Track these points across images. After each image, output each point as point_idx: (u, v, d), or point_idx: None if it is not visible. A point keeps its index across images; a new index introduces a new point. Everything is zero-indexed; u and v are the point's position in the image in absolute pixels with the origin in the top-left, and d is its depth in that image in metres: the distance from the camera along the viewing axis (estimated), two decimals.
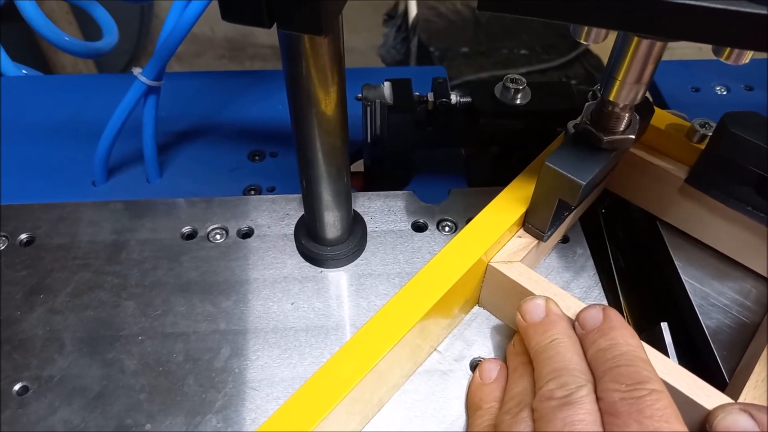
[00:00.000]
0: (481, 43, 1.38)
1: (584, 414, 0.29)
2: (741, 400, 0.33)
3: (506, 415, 0.32)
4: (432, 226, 0.47)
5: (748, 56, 0.27)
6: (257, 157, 0.55)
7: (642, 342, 0.33)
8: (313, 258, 0.44)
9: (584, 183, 0.34)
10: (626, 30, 0.26)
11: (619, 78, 0.33)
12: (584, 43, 0.28)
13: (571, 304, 0.36)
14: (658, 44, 0.31)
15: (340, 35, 0.32)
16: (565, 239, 0.46)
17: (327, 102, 0.34)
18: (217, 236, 0.46)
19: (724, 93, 0.61)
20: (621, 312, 0.47)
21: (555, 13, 0.26)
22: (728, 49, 0.27)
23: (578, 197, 0.35)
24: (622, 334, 0.32)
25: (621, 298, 0.49)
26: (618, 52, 0.32)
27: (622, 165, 0.46)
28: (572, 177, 0.34)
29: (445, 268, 0.37)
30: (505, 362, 0.38)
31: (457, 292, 0.38)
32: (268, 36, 1.87)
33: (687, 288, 0.43)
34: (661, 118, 0.44)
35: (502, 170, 0.45)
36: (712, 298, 0.43)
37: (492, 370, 0.36)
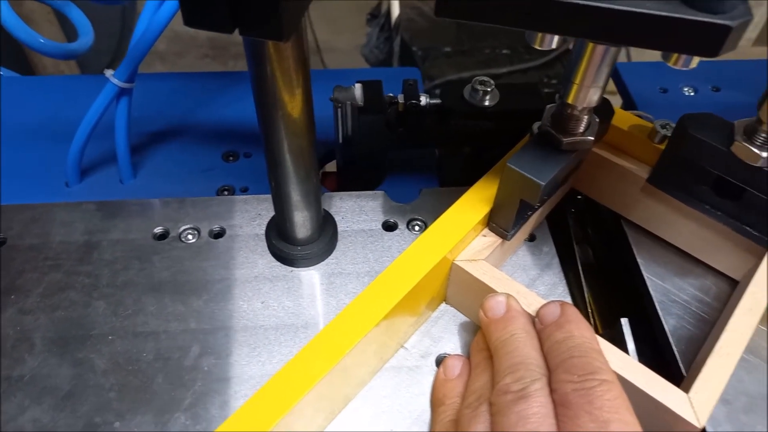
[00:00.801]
0: (463, 43, 1.39)
1: (538, 407, 0.30)
2: (692, 393, 0.34)
3: (466, 409, 0.33)
4: (402, 226, 0.48)
5: (695, 61, 0.28)
6: (231, 158, 0.55)
7: (598, 336, 0.34)
8: (283, 257, 0.44)
9: (544, 183, 0.35)
10: (576, 36, 0.27)
11: (577, 81, 0.34)
12: (539, 47, 0.29)
13: (532, 301, 0.37)
14: (612, 49, 0.32)
15: (303, 38, 0.32)
16: (531, 237, 0.47)
17: (293, 104, 0.34)
18: (189, 236, 0.46)
19: (692, 94, 0.62)
20: (587, 308, 0.48)
21: (509, 21, 0.27)
22: (675, 55, 0.28)
23: (539, 197, 0.36)
24: (578, 327, 0.33)
25: (587, 294, 0.50)
26: (575, 57, 0.33)
27: (588, 165, 0.47)
28: (532, 178, 0.35)
29: (409, 267, 0.37)
30: (470, 359, 0.38)
31: (423, 290, 0.39)
32: None
33: (649, 285, 0.45)
34: (625, 119, 0.45)
35: (474, 170, 0.46)
36: (673, 294, 0.45)
37: (455, 367, 0.37)
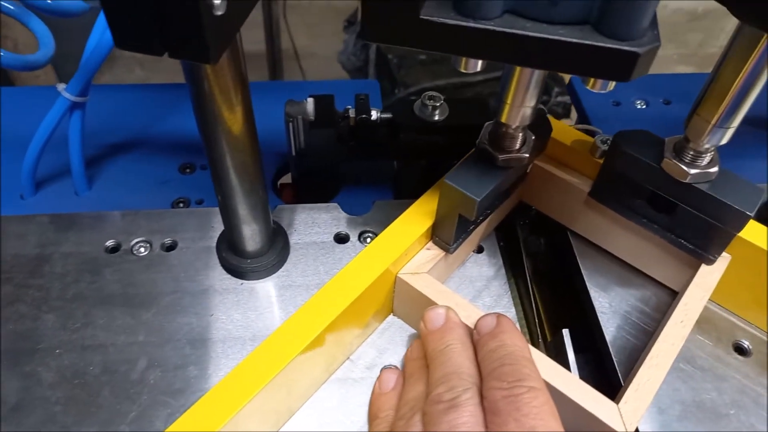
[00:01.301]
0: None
1: (468, 416, 0.31)
2: (621, 403, 0.35)
3: (400, 420, 0.34)
4: (354, 238, 0.49)
5: (611, 84, 0.30)
6: (188, 170, 0.56)
7: (533, 347, 0.35)
8: (233, 270, 0.45)
9: (479, 199, 0.36)
10: (495, 60, 0.28)
11: (508, 102, 0.35)
12: (463, 71, 0.30)
13: (471, 312, 0.38)
14: (538, 71, 0.33)
15: (240, 56, 0.33)
16: (479, 249, 0.48)
17: (233, 120, 0.35)
18: (141, 249, 0.47)
19: (644, 107, 0.64)
20: (535, 318, 0.49)
21: (431, 46, 0.28)
22: (592, 79, 0.29)
23: (475, 212, 0.37)
24: (511, 336, 0.34)
25: (539, 305, 0.51)
26: (504, 79, 0.34)
27: (534, 178, 0.48)
28: (468, 194, 0.36)
29: (351, 280, 0.38)
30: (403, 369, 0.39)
31: (366, 302, 0.39)
32: None
33: (591, 295, 0.46)
34: (568, 134, 0.47)
35: (429, 182, 0.47)
36: (615, 305, 0.46)
37: (389, 380, 0.38)
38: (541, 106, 0.64)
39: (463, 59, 0.30)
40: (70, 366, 0.40)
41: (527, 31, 0.27)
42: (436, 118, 0.49)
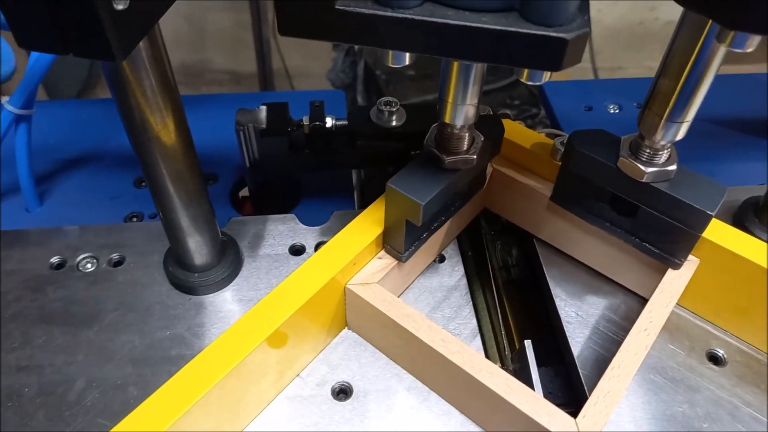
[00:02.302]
0: (426, 66, 1.40)
1: None
2: (580, 417, 0.33)
3: None
4: (310, 249, 0.47)
5: (546, 75, 0.28)
6: (143, 184, 0.54)
7: (484, 359, 0.33)
8: (181, 285, 0.43)
9: (424, 203, 0.34)
10: (420, 53, 0.27)
11: (449, 100, 0.33)
12: (391, 65, 0.28)
13: (422, 324, 0.36)
14: (477, 66, 0.31)
15: (163, 57, 0.32)
16: (441, 258, 0.46)
17: (162, 128, 0.34)
18: (88, 265, 0.45)
19: (617, 111, 0.62)
20: (506, 329, 0.47)
21: (348, 38, 0.27)
22: (525, 70, 0.28)
23: (421, 217, 0.35)
24: None
25: (508, 315, 0.49)
26: (443, 75, 0.32)
27: (496, 184, 0.46)
28: (412, 198, 0.35)
29: (294, 290, 0.36)
30: None
31: (312, 314, 0.37)
32: (224, 61, 1.87)
33: (557, 304, 0.44)
34: (527, 137, 0.45)
35: None
36: (582, 314, 0.44)
37: None
38: (506, 111, 0.62)
39: (390, 52, 0.28)
40: (5, 388, 0.38)
41: (448, 19, 0.25)
42: (393, 123, 0.47)
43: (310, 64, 2.01)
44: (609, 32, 1.72)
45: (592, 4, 0.27)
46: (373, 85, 1.60)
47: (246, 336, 0.34)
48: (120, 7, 0.25)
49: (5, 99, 0.45)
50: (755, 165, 0.56)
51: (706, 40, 0.29)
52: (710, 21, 0.28)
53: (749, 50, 0.26)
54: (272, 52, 1.79)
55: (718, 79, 0.31)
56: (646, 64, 1.84)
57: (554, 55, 0.26)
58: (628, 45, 1.75)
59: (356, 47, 1.59)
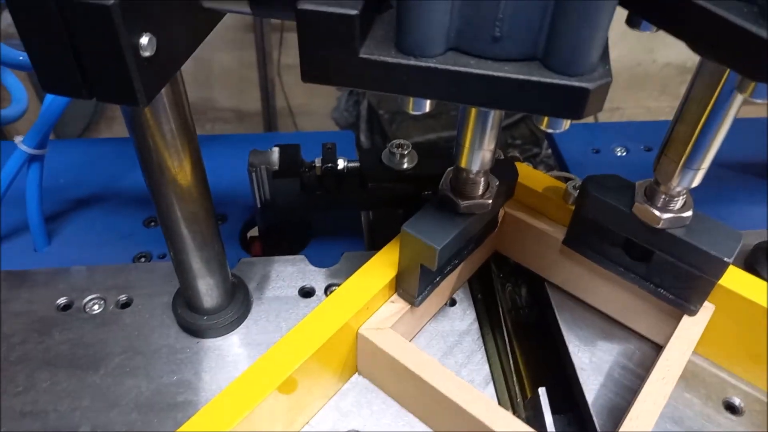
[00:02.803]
0: None
1: None
2: None
3: None
4: (320, 292, 0.46)
5: (566, 123, 0.28)
6: (153, 223, 0.54)
7: (498, 407, 0.33)
8: (189, 328, 0.42)
9: (439, 247, 0.34)
10: (442, 99, 0.27)
11: (466, 145, 0.33)
12: (411, 112, 0.29)
13: (438, 371, 0.36)
14: (494, 113, 0.32)
15: (183, 101, 0.32)
16: (452, 302, 0.46)
17: (180, 171, 0.34)
18: (95, 306, 0.44)
19: (624, 154, 0.62)
20: (517, 375, 0.46)
21: (371, 86, 0.27)
22: (545, 117, 0.28)
23: (437, 261, 0.35)
24: None
25: (519, 361, 0.48)
26: (461, 121, 0.33)
27: (508, 227, 0.46)
28: (428, 242, 0.34)
29: (306, 336, 0.36)
30: None
31: (324, 360, 0.37)
32: (228, 99, 1.89)
33: (570, 350, 0.43)
34: (541, 180, 0.45)
35: None
36: (596, 360, 0.43)
37: None
38: (516, 155, 0.62)
39: (410, 99, 0.28)
40: None
41: (470, 68, 0.25)
42: (405, 166, 0.47)
43: (313, 102, 2.04)
44: None
45: None
46: (377, 123, 1.62)
47: (257, 383, 0.34)
48: (147, 54, 0.25)
49: (19, 139, 0.46)
50: (754, 209, 0.56)
51: (724, 88, 0.29)
52: (728, 69, 0.29)
53: None
54: (276, 90, 1.82)
55: None
56: (644, 105, 1.87)
57: (576, 104, 0.26)
58: (627, 86, 1.78)
59: None
